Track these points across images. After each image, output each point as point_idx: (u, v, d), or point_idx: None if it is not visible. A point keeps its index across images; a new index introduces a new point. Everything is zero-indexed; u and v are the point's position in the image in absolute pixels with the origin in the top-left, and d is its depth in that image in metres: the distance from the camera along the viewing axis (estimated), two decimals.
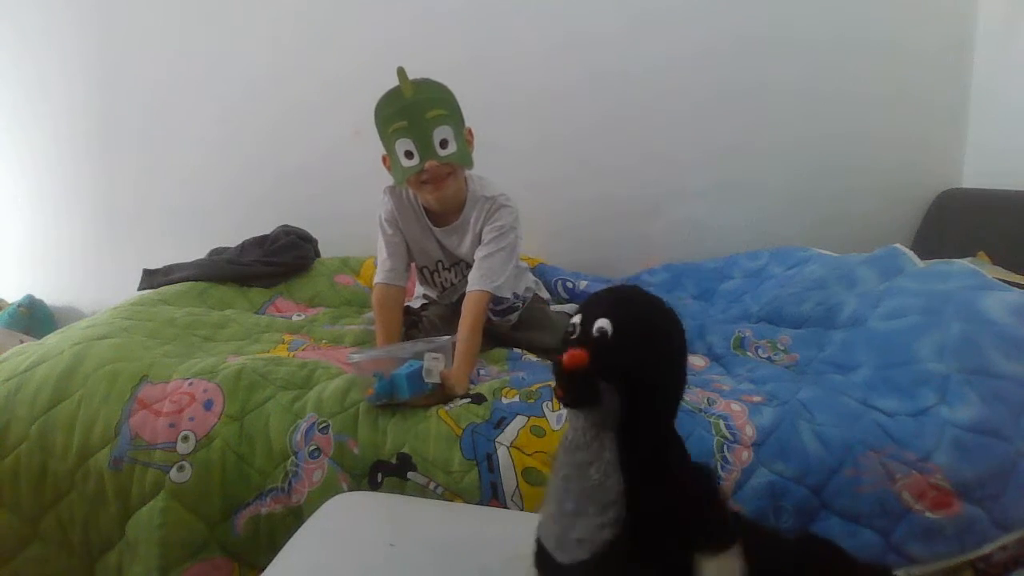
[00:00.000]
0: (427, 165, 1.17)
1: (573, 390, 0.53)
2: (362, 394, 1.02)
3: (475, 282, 1.26)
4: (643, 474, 0.53)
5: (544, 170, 1.98)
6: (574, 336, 0.54)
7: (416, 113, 1.15)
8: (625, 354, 0.52)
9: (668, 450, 0.56)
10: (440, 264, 1.40)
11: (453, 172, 1.23)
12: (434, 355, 1.01)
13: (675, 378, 0.55)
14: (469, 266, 1.31)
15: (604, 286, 1.78)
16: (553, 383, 0.54)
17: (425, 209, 1.34)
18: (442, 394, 1.04)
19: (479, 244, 1.30)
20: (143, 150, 2.14)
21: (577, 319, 0.55)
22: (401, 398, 1.00)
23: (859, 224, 1.94)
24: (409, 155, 1.17)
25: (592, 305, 0.55)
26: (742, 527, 0.55)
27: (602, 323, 0.52)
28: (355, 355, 1.08)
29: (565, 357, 0.51)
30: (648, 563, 0.51)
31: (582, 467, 0.54)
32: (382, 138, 1.21)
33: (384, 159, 1.26)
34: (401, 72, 1.14)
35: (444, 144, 1.17)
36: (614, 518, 0.52)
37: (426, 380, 1.00)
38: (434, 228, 1.35)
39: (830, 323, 1.23)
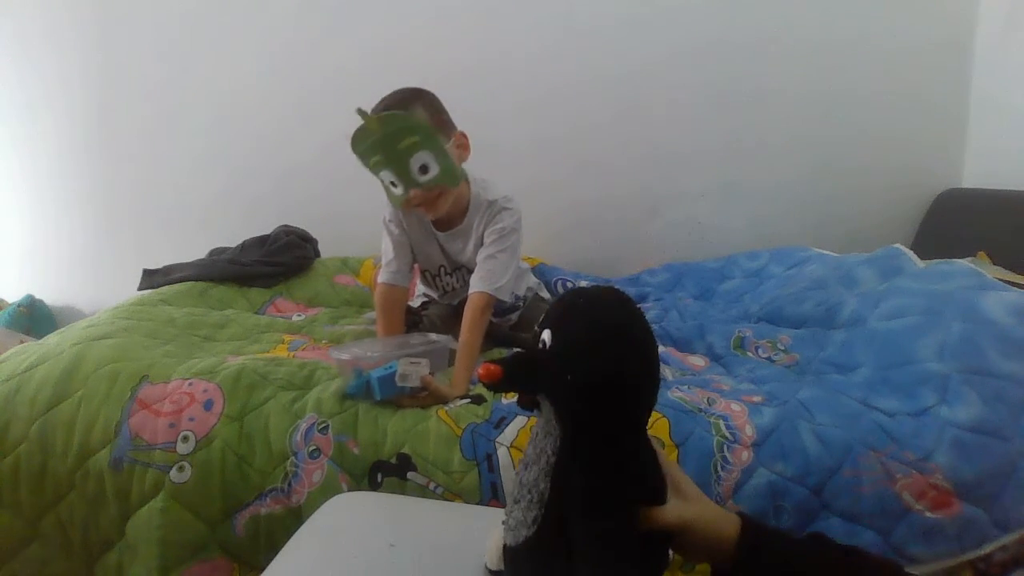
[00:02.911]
0: (411, 194, 1.16)
1: (519, 396, 0.54)
2: (343, 388, 1.03)
3: (476, 284, 1.26)
4: (563, 484, 0.52)
5: (544, 170, 1.98)
6: (538, 340, 0.52)
7: (388, 146, 1.12)
8: (558, 374, 0.48)
9: (604, 470, 0.51)
10: (442, 269, 1.40)
11: (443, 192, 1.21)
12: (412, 360, 1.01)
13: (623, 399, 0.50)
14: (471, 271, 1.30)
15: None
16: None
17: None
18: (430, 400, 1.04)
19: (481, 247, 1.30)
20: (143, 150, 2.15)
21: (543, 319, 0.53)
22: (374, 399, 1.00)
23: (859, 224, 1.94)
24: (394, 184, 1.18)
25: (551, 309, 0.53)
26: (748, 526, 0.54)
27: (545, 335, 0.50)
28: (336, 352, 1.08)
29: (481, 370, 0.49)
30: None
31: (528, 463, 0.55)
32: (367, 169, 1.21)
33: None
34: (362, 112, 1.11)
35: (424, 169, 1.15)
36: (532, 519, 0.53)
37: (399, 384, 1.00)
38: (438, 233, 1.34)
39: (830, 323, 1.23)
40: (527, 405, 0.54)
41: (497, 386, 0.49)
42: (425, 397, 1.03)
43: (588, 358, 0.48)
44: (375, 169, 1.17)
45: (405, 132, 1.12)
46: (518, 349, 0.57)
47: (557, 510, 0.52)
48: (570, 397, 0.49)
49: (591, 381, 0.48)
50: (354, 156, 1.18)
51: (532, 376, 0.50)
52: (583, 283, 1.77)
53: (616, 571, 0.49)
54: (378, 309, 1.32)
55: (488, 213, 1.30)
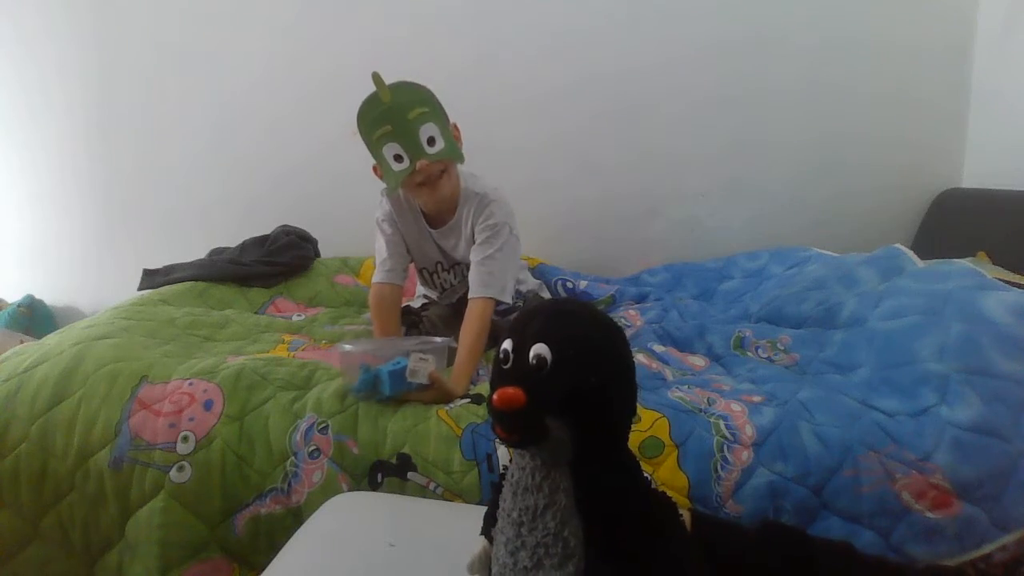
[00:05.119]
0: (418, 165, 1.15)
1: (518, 430, 0.46)
2: (346, 384, 1.03)
3: (477, 289, 1.24)
4: (606, 512, 0.47)
5: (544, 170, 1.98)
6: (507, 365, 0.47)
7: (398, 115, 1.13)
8: (571, 382, 0.45)
9: (630, 477, 0.50)
10: (439, 265, 1.40)
11: (446, 170, 1.22)
12: (422, 356, 1.01)
13: (628, 396, 0.50)
14: (468, 267, 1.30)
15: (603, 285, 1.81)
16: (493, 424, 0.47)
17: (422, 211, 1.33)
18: (436, 396, 1.03)
19: (473, 243, 1.30)
20: (142, 150, 2.14)
21: (508, 344, 0.48)
22: (383, 394, 1.00)
23: (859, 224, 1.94)
24: (399, 159, 1.16)
25: (523, 327, 0.48)
26: (700, 521, 0.54)
27: (539, 349, 0.46)
28: (346, 345, 1.08)
29: (496, 397, 0.44)
30: None
31: (536, 514, 0.48)
32: (369, 147, 1.20)
33: (375, 169, 1.24)
34: (377, 77, 1.12)
35: (432, 142, 1.16)
36: (574, 571, 0.46)
37: (409, 379, 1.00)
38: (432, 230, 1.34)
39: (830, 323, 1.23)
40: (530, 439, 0.47)
41: (520, 413, 0.44)
42: (429, 393, 1.03)
43: (600, 357, 0.48)
44: (381, 142, 1.16)
45: (416, 103, 1.15)
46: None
47: (603, 546, 0.46)
48: (585, 403, 0.46)
49: (606, 381, 0.47)
50: (353, 156, 1.18)
51: (554, 393, 0.45)
52: (583, 283, 1.77)
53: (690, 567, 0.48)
54: (372, 308, 1.32)
55: (477, 206, 1.29)
